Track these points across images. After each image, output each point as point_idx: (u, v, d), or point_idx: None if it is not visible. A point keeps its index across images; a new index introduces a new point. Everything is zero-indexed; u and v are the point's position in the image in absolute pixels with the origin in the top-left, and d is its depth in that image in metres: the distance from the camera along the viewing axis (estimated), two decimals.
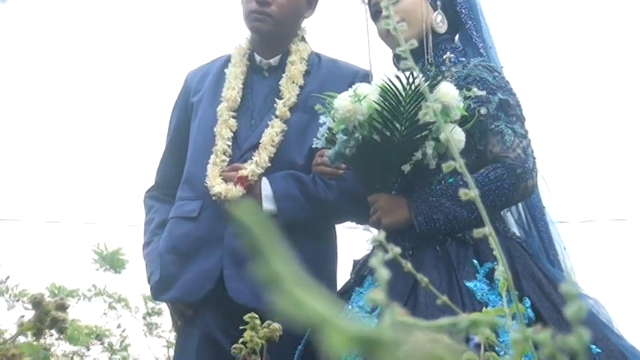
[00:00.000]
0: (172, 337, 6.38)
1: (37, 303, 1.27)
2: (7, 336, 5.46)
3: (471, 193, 1.03)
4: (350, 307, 2.55)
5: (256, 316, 1.70)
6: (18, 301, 5.56)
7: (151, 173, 3.27)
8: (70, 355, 6.01)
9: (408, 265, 1.04)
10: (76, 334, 6.01)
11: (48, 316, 1.27)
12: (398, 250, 0.92)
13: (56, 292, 5.85)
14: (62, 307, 1.28)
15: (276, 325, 1.67)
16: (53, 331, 1.49)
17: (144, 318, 6.73)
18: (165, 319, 6.63)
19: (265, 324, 1.67)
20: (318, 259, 2.85)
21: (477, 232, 1.02)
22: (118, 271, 6.65)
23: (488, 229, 0.96)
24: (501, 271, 1.13)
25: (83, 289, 6.40)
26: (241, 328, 1.76)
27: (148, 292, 3.26)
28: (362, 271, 2.69)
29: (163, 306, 6.34)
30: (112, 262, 6.60)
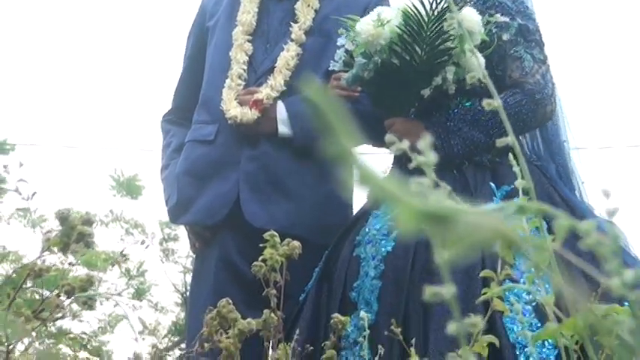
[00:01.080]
0: (189, 262, 6.45)
1: (63, 218, 1.29)
2: (25, 261, 5.54)
3: (494, 102, 1.05)
4: (367, 229, 2.58)
5: (276, 234, 1.72)
6: (36, 226, 5.61)
7: (167, 98, 3.29)
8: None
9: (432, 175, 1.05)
10: (94, 259, 6.08)
11: (74, 230, 1.29)
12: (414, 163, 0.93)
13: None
14: (88, 222, 1.31)
15: (295, 243, 1.70)
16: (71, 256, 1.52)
17: (160, 244, 6.79)
18: (181, 245, 6.69)
19: (285, 242, 1.70)
20: (335, 181, 2.87)
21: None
22: (135, 197, 6.70)
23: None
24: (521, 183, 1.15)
25: (100, 215, 6.46)
26: (261, 245, 1.79)
27: (165, 218, 3.29)
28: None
29: (179, 232, 6.40)
30: (129, 188, 6.64)
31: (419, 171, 2.49)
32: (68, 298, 1.50)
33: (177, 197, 2.95)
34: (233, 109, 2.84)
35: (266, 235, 1.71)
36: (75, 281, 1.48)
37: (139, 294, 6.54)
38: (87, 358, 5.74)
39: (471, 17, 2.50)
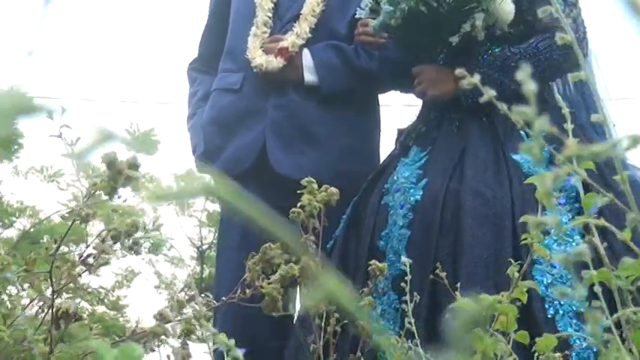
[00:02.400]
0: (204, 216, 6.47)
1: (110, 162, 1.29)
2: (42, 216, 5.56)
3: (567, 37, 1.04)
4: (395, 177, 2.58)
5: (313, 180, 1.72)
6: (52, 181, 5.62)
7: (181, 50, 3.28)
8: (104, 234, 6.10)
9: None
10: (110, 214, 6.08)
11: (121, 174, 1.29)
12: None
13: (90, 171, 5.91)
14: (135, 166, 1.30)
15: (333, 190, 1.70)
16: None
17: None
18: (196, 199, 6.71)
19: (323, 188, 1.70)
20: (361, 129, 2.88)
21: (560, 38, 1.03)
22: (151, 152, 6.69)
23: (569, 37, 0.98)
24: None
25: None
26: (299, 193, 1.79)
27: (179, 173, 3.28)
28: (407, 141, 2.71)
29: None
30: (145, 143, 6.63)
31: (448, 128, 2.46)
32: (115, 242, 1.50)
33: (205, 146, 2.97)
34: (258, 57, 2.85)
35: (303, 181, 1.71)
36: (121, 225, 1.48)
37: (155, 248, 6.56)
38: (105, 312, 5.78)
39: None
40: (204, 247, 6.65)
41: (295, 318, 2.43)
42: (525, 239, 1.57)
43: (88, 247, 1.53)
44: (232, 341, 1.26)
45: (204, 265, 6.58)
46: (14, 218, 5.40)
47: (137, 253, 1.63)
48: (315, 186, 1.66)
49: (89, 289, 5.92)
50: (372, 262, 1.94)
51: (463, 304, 1.35)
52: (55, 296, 1.46)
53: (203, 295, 1.75)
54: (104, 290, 6.11)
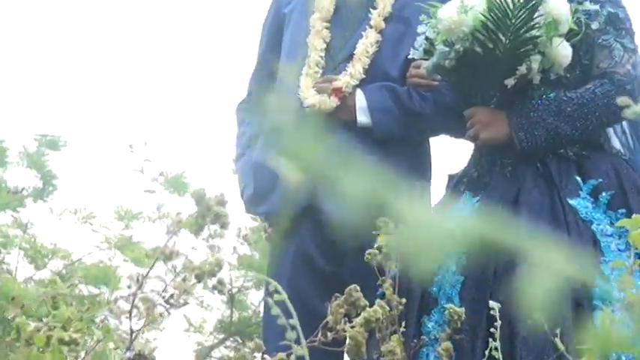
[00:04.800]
0: (234, 259, 6.44)
1: (199, 198, 1.27)
2: (74, 257, 5.56)
3: (627, 99, 1.01)
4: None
5: (389, 220, 1.69)
6: (86, 223, 5.62)
7: (216, 94, 3.29)
8: (135, 277, 6.08)
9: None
10: (141, 256, 6.09)
11: (210, 211, 1.27)
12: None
13: (122, 214, 5.92)
14: (223, 203, 1.28)
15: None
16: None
17: (206, 240, 6.78)
18: (226, 242, 6.68)
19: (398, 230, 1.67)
20: (412, 173, 2.85)
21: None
22: (182, 194, 6.71)
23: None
24: None
25: (148, 212, 6.46)
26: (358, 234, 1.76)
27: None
28: (458, 186, 2.68)
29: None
30: (176, 185, 6.64)
31: (501, 173, 2.43)
32: (198, 282, 1.48)
33: (254, 188, 2.97)
34: (311, 97, 2.84)
35: (379, 222, 1.68)
36: (204, 265, 1.46)
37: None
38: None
39: (558, 5, 2.48)
40: (234, 290, 6.61)
41: None
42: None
43: (167, 285, 1.50)
44: None
45: (234, 309, 6.54)
46: (47, 260, 5.40)
47: (221, 292, 1.60)
48: (392, 225, 1.63)
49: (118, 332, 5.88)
50: (449, 306, 1.91)
51: None
52: (133, 337, 1.43)
53: (232, 340, 1.72)
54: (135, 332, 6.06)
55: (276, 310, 1.56)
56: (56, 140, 5.51)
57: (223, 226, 1.33)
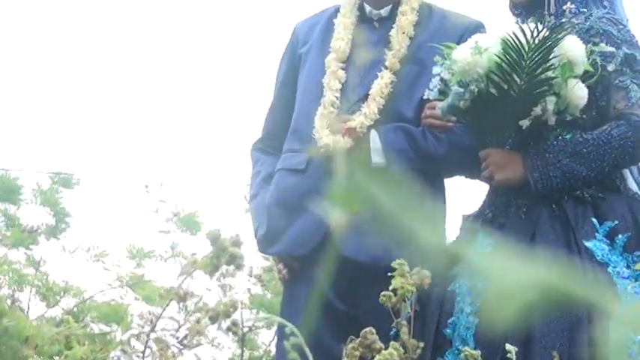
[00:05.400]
0: (246, 298, 6.43)
1: (214, 239, 1.27)
2: (86, 295, 5.56)
3: None
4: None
5: (404, 262, 1.68)
6: (98, 261, 5.63)
7: (228, 134, 3.30)
8: (148, 317, 6.06)
9: None
10: (152, 294, 6.07)
11: (225, 252, 1.26)
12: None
13: (134, 252, 5.92)
14: (238, 244, 1.28)
15: (425, 272, 1.66)
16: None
17: (218, 280, 6.76)
18: (238, 281, 6.66)
19: (415, 270, 1.66)
20: (427, 214, 2.82)
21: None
22: (194, 232, 6.71)
23: None
24: None
25: (160, 251, 6.46)
26: (373, 276, 1.75)
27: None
28: (473, 227, 2.66)
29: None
30: (189, 224, 6.64)
31: (516, 214, 2.41)
32: (212, 323, 1.47)
33: (267, 227, 2.98)
34: (325, 137, 2.87)
35: (394, 264, 1.67)
36: (218, 306, 1.45)
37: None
38: None
39: (573, 47, 2.48)
40: (245, 329, 6.57)
41: None
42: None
43: (181, 326, 1.49)
44: None
45: (245, 348, 6.51)
46: (59, 297, 5.41)
47: (235, 334, 1.59)
48: (407, 268, 1.62)
49: None
50: (465, 349, 1.89)
51: None
52: None
53: None
54: None
55: (293, 355, 1.55)
56: (70, 178, 5.53)
57: (238, 267, 1.32)
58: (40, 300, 5.54)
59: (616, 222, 2.50)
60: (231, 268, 1.34)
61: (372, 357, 1.49)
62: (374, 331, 1.50)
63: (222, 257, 1.30)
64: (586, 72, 2.50)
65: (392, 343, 1.46)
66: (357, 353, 1.48)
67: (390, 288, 1.66)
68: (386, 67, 2.94)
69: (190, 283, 1.63)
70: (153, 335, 1.52)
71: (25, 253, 5.51)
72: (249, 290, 6.22)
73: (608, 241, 2.47)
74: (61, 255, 5.66)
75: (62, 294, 5.42)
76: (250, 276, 5.90)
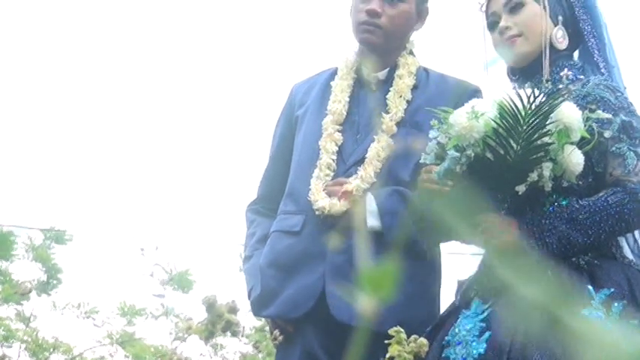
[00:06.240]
0: (237, 358, 6.38)
1: (210, 305, 1.25)
2: (76, 352, 5.51)
3: None
4: (456, 330, 2.52)
5: (401, 330, 1.66)
6: (89, 318, 5.60)
7: (220, 193, 3.30)
8: None
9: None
10: (143, 353, 6.02)
11: (222, 318, 1.24)
12: None
13: (125, 310, 5.88)
14: (234, 310, 1.26)
15: (423, 341, 1.64)
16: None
17: (207, 339, 6.70)
18: (229, 341, 6.63)
19: (412, 338, 1.63)
20: (422, 278, 2.82)
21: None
22: (186, 291, 6.67)
23: None
24: None
25: (151, 309, 6.42)
26: (363, 340, 1.72)
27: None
28: (468, 293, 2.65)
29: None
30: (180, 282, 6.61)
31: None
32: None
33: (261, 289, 2.95)
34: (321, 199, 2.87)
35: (391, 331, 1.64)
36: None
37: None
38: None
39: (570, 113, 2.48)
40: None
41: None
42: None
43: None
44: None
45: None
46: (48, 354, 5.37)
47: None
48: (404, 336, 1.60)
49: None
50: None
51: None
52: None
53: None
54: None
55: None
56: (62, 234, 5.51)
57: (234, 334, 1.30)
58: (30, 356, 5.50)
59: (612, 289, 2.48)
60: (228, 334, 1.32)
61: None
62: None
63: (218, 324, 1.28)
64: (583, 138, 2.49)
65: None
66: None
67: (387, 356, 1.63)
68: (383, 131, 2.94)
69: (183, 344, 1.60)
70: None
71: (16, 309, 5.48)
72: (240, 352, 6.18)
73: (603, 309, 2.44)
74: (51, 311, 5.62)
75: (52, 350, 5.39)
76: (242, 336, 5.87)
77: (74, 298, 5.66)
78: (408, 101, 2.99)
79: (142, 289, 6.36)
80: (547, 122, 2.43)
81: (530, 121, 2.41)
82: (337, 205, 2.84)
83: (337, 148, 2.96)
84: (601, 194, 2.55)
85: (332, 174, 2.93)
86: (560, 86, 2.69)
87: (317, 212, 2.87)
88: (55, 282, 5.58)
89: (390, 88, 3.01)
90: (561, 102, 2.45)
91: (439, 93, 3.01)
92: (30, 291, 4.76)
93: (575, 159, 2.49)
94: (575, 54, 2.84)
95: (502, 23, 2.77)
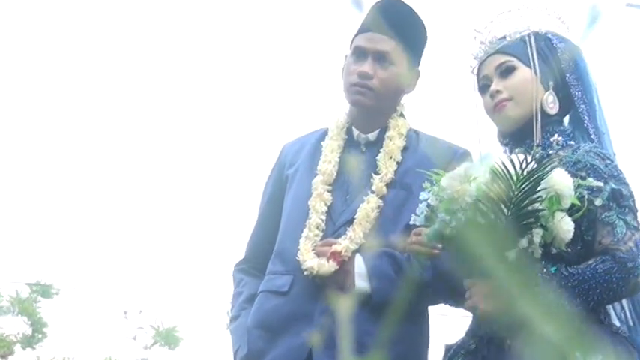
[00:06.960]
0: None
1: None
2: None
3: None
4: None
5: None
6: None
7: (204, 254, 3.29)
8: None
9: None
10: None
11: None
12: None
13: None
14: None
15: None
16: None
17: None
18: None
19: None
20: (410, 341, 2.80)
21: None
22: (173, 347, 6.64)
23: None
24: None
25: None
26: None
27: None
28: (456, 357, 2.62)
29: None
30: (168, 338, 6.58)
31: (500, 345, 2.37)
32: None
33: (248, 349, 2.93)
34: (310, 259, 2.85)
35: None
36: None
37: None
38: None
39: (561, 180, 2.47)
40: None
41: None
42: None
43: None
44: None
45: None
46: None
47: None
48: None
49: None
50: None
51: None
52: None
53: None
54: None
55: None
56: (49, 288, 5.48)
57: None
58: None
59: (599, 357, 2.46)
60: None
61: None
62: None
63: None
64: (573, 206, 2.49)
65: None
66: None
67: None
68: (372, 192, 2.93)
69: None
70: None
71: None
72: None
73: None
74: None
75: None
76: None
77: (59, 352, 5.62)
78: (398, 163, 2.98)
79: (126, 350, 6.32)
80: (538, 189, 2.43)
81: (522, 187, 2.41)
82: (326, 266, 2.81)
83: (327, 209, 2.94)
84: (590, 262, 2.53)
85: (321, 234, 2.91)
86: (551, 152, 2.69)
87: (305, 272, 2.84)
88: (40, 336, 5.55)
89: (381, 150, 3.00)
90: (553, 169, 2.46)
91: (429, 155, 2.99)
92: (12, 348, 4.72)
93: (565, 226, 2.48)
94: (566, 119, 2.85)
95: (493, 87, 2.78)
